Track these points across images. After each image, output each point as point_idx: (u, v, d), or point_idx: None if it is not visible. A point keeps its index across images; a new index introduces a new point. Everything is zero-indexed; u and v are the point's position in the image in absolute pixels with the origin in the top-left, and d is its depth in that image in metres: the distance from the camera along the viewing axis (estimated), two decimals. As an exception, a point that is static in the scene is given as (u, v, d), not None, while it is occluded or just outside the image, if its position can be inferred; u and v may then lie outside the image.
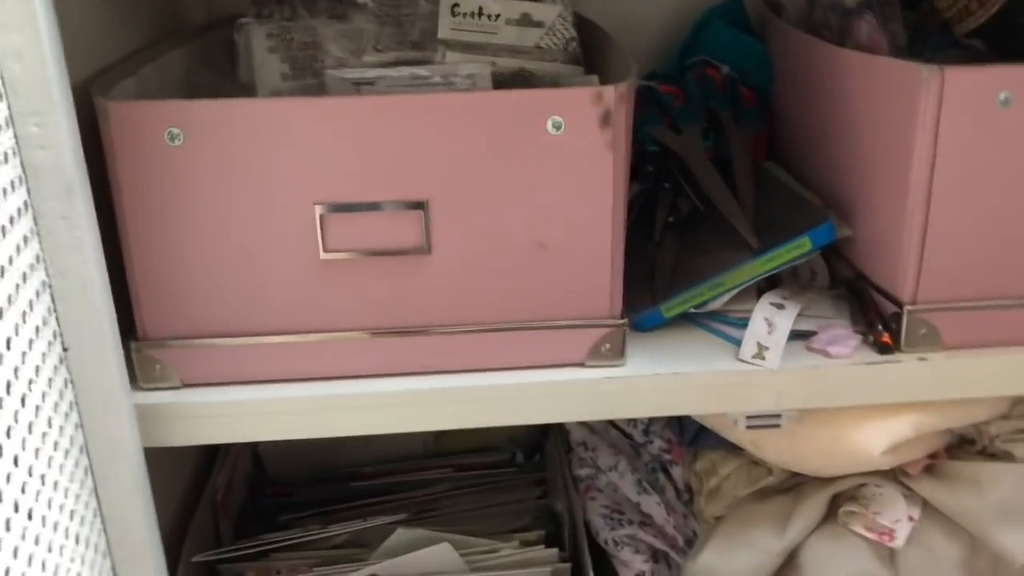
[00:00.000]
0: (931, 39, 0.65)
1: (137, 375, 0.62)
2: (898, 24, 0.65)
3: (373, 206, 0.60)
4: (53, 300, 0.52)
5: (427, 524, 0.80)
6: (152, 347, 0.62)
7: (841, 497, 0.72)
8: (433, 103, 0.58)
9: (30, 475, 0.46)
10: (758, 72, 0.84)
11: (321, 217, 0.60)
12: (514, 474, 0.95)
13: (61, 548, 0.49)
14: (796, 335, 0.66)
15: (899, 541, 0.69)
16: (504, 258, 0.62)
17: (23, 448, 0.45)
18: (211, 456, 0.90)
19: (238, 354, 0.63)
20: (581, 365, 0.65)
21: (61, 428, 0.52)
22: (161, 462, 0.66)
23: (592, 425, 0.86)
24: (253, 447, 0.96)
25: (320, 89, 0.73)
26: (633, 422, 0.84)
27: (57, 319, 0.53)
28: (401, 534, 0.76)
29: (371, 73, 0.69)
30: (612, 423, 0.85)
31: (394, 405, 0.64)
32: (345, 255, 0.61)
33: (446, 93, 0.60)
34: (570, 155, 0.59)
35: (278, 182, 0.59)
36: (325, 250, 0.61)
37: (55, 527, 0.49)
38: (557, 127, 0.59)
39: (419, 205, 0.60)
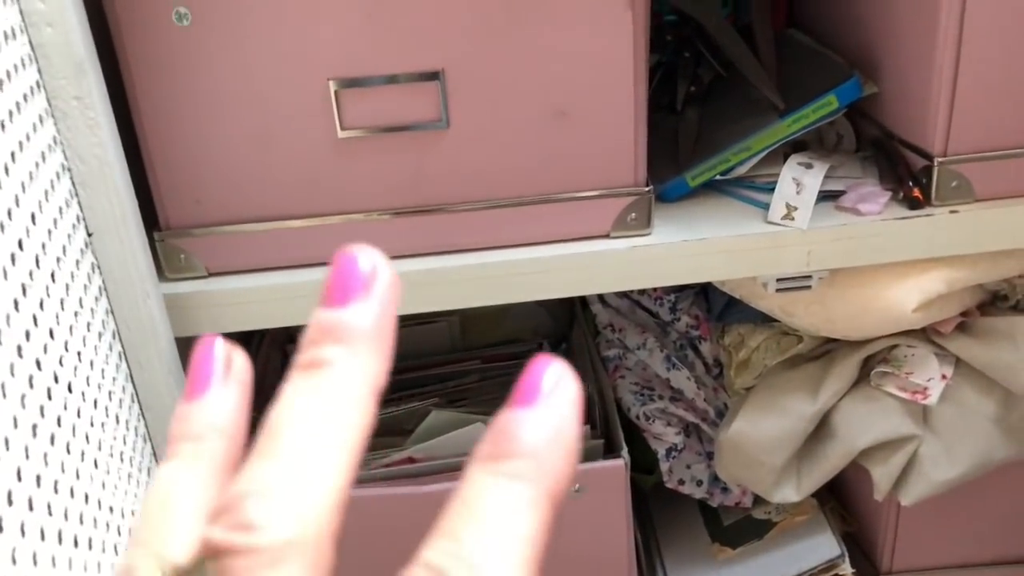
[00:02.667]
0: None
1: (163, 266, 0.62)
2: None
3: (388, 79, 0.59)
4: (74, 184, 0.52)
5: (460, 409, 0.81)
6: (175, 236, 0.62)
7: (873, 359, 0.72)
8: (444, -33, 0.57)
9: (66, 350, 0.46)
10: (776, -65, 0.81)
11: (336, 93, 0.59)
12: (542, 363, 0.95)
13: (103, 425, 0.50)
14: (825, 196, 0.65)
15: (932, 399, 0.69)
16: (524, 129, 0.61)
17: (57, 323, 0.45)
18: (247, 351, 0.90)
19: (261, 240, 0.63)
20: (607, 236, 0.65)
21: (92, 310, 0.52)
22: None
23: (618, 307, 0.86)
24: (283, 349, 0.97)
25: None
26: (659, 300, 0.83)
27: (79, 203, 0.53)
28: (436, 416, 0.76)
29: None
30: (638, 303, 0.85)
31: (420, 285, 0.64)
32: (362, 132, 0.60)
33: (457, -44, 0.58)
34: (588, 16, 0.58)
35: (290, 59, 0.58)
36: (342, 128, 0.60)
37: (95, 404, 0.49)
38: (573, -14, 0.57)
39: (434, 76, 0.59)
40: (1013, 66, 0.60)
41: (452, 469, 0.74)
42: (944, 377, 0.70)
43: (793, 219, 0.63)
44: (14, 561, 0.35)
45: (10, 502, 0.36)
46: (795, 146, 0.70)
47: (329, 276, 0.19)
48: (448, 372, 0.95)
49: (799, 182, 0.64)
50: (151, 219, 0.61)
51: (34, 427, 0.39)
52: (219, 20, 0.56)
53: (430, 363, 0.97)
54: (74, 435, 0.44)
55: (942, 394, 0.69)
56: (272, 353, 0.94)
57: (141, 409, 0.58)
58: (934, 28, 0.59)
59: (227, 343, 0.21)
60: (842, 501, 0.87)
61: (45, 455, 0.40)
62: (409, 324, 0.99)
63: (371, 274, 0.19)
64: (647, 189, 0.63)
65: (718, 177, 0.68)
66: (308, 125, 0.60)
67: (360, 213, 0.63)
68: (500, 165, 0.62)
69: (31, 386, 0.40)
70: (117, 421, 0.53)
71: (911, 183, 0.63)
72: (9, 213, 0.42)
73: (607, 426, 0.79)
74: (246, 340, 0.92)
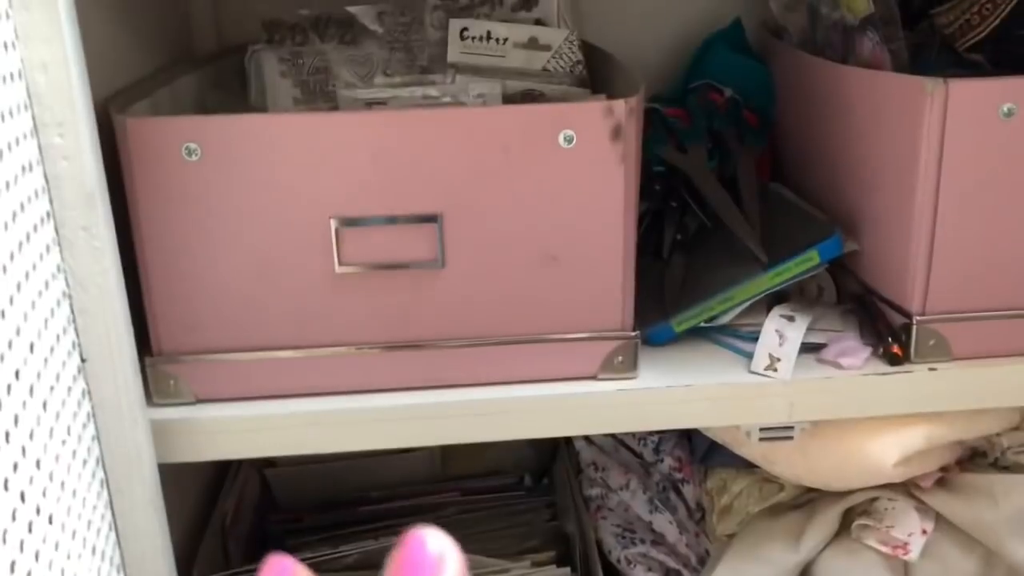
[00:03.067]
0: (932, 56, 0.67)
1: (152, 390, 0.62)
2: (900, 42, 0.66)
3: (388, 220, 0.61)
4: (72, 311, 0.53)
5: (437, 545, 0.80)
6: (166, 362, 0.63)
7: (854, 511, 0.72)
8: (446, 117, 0.59)
9: (51, 480, 0.46)
10: (760, 94, 0.86)
11: (336, 231, 0.60)
12: (523, 497, 0.94)
13: (79, 556, 0.49)
14: (806, 348, 0.67)
15: (913, 554, 0.69)
16: (517, 271, 0.62)
17: (44, 452, 0.45)
18: (219, 480, 0.90)
19: (252, 369, 0.63)
20: (593, 378, 0.65)
21: (79, 437, 0.52)
22: (170, 483, 0.66)
23: (601, 445, 0.86)
24: (260, 473, 0.96)
25: (332, 111, 0.74)
26: (643, 441, 0.84)
27: (76, 330, 0.53)
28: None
29: (383, 94, 0.70)
30: (622, 442, 0.85)
31: (408, 419, 0.64)
32: (359, 268, 0.61)
33: (459, 108, 0.61)
34: (582, 168, 0.60)
35: (293, 197, 0.60)
36: (340, 264, 0.61)
37: (73, 535, 0.49)
38: (569, 140, 0.60)
39: (433, 218, 0.61)
40: (988, 230, 0.63)
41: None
42: (925, 532, 0.70)
43: (776, 370, 0.64)
44: None
45: (-17, 642, 0.35)
46: (777, 296, 0.72)
47: (398, 557, 0.19)
48: (427, 503, 0.94)
49: (782, 334, 0.65)
50: (142, 343, 0.61)
51: (12, 564, 0.39)
52: (227, 157, 0.59)
53: (409, 493, 0.96)
54: (50, 569, 0.44)
55: (923, 549, 0.69)
56: (250, 475, 0.93)
57: (118, 538, 0.57)
58: (912, 192, 0.62)
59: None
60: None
61: (21, 590, 0.39)
62: (391, 452, 0.99)
63: (439, 558, 0.19)
64: (634, 334, 0.65)
65: (702, 324, 0.69)
66: (307, 260, 0.61)
67: (352, 346, 0.64)
68: (492, 305, 0.63)
69: (13, 519, 0.40)
70: (93, 552, 0.52)
71: (890, 339, 0.65)
72: (10, 344, 0.42)
73: (587, 567, 0.78)
74: (220, 474, 0.91)
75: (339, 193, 0.60)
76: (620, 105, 0.59)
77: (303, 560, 0.79)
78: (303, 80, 0.78)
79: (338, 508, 0.94)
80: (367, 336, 0.63)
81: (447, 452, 1.00)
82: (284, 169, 0.59)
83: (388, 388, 0.65)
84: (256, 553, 0.84)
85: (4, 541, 0.38)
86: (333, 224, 0.60)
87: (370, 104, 0.70)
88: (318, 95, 0.78)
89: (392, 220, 0.61)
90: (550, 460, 0.99)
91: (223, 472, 0.91)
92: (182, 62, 0.82)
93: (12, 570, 0.38)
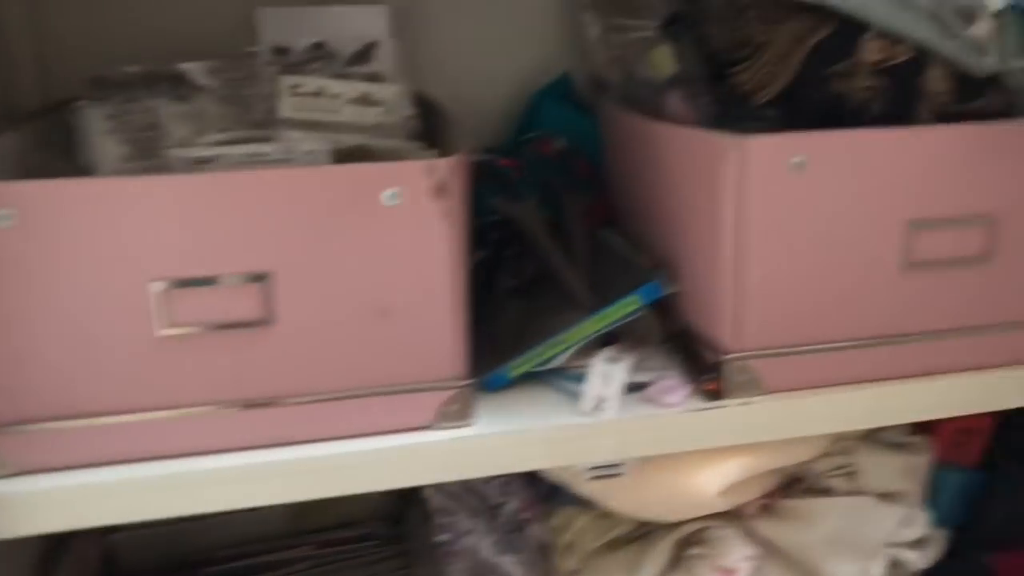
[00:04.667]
0: (736, 111, 0.72)
1: (-33, 464, 0.60)
2: (706, 97, 0.71)
3: (213, 280, 0.61)
4: None
5: (288, 602, 0.79)
6: (-17, 434, 0.60)
7: (686, 541, 0.75)
8: (269, 178, 0.60)
9: None
10: (592, 145, 0.90)
11: (159, 294, 0.60)
12: (376, 547, 0.94)
13: None
14: (632, 387, 0.70)
15: (741, 580, 0.73)
16: (348, 326, 0.63)
17: None
18: (55, 552, 0.86)
19: (77, 437, 0.62)
20: (429, 428, 0.67)
21: None
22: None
23: (449, 490, 0.87)
24: (100, 541, 0.92)
25: (162, 170, 0.73)
26: (490, 483, 0.85)
27: None
28: (257, 614, 0.74)
29: (210, 152, 0.70)
30: (469, 486, 0.87)
31: (244, 480, 0.64)
32: (186, 330, 0.61)
33: (282, 168, 0.62)
34: (407, 225, 0.62)
35: (115, 261, 0.59)
36: (165, 326, 0.61)
37: None
38: (393, 198, 0.61)
39: (260, 277, 0.61)
40: (789, 272, 0.67)
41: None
42: (751, 558, 0.74)
43: (603, 410, 0.67)
44: None
45: None
46: (608, 337, 0.75)
47: None
48: (279, 560, 0.93)
49: (608, 375, 0.69)
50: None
51: None
52: (43, 222, 0.57)
53: (260, 550, 0.95)
54: None
55: (751, 575, 0.73)
56: (89, 544, 0.89)
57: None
58: (717, 238, 0.66)
59: None
60: None
61: None
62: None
63: None
64: (466, 382, 0.66)
65: (537, 368, 0.72)
66: (129, 324, 0.60)
67: (184, 408, 0.63)
68: (326, 360, 0.64)
69: None
70: None
71: (706, 376, 0.69)
72: None
73: (437, 615, 0.79)
74: (55, 546, 0.88)
75: (162, 256, 0.59)
76: (442, 164, 0.61)
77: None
78: (132, 137, 0.77)
79: (187, 570, 0.92)
80: (199, 397, 0.63)
81: (300, 505, 0.99)
82: (104, 233, 0.58)
83: (224, 449, 0.64)
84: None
85: None
86: (156, 287, 0.60)
87: (199, 163, 0.69)
88: (148, 153, 0.77)
89: (218, 280, 0.61)
90: (405, 506, 0.99)
91: (59, 543, 0.87)
92: (3, 119, 0.79)
93: None
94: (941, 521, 0.75)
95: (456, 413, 0.67)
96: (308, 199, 0.60)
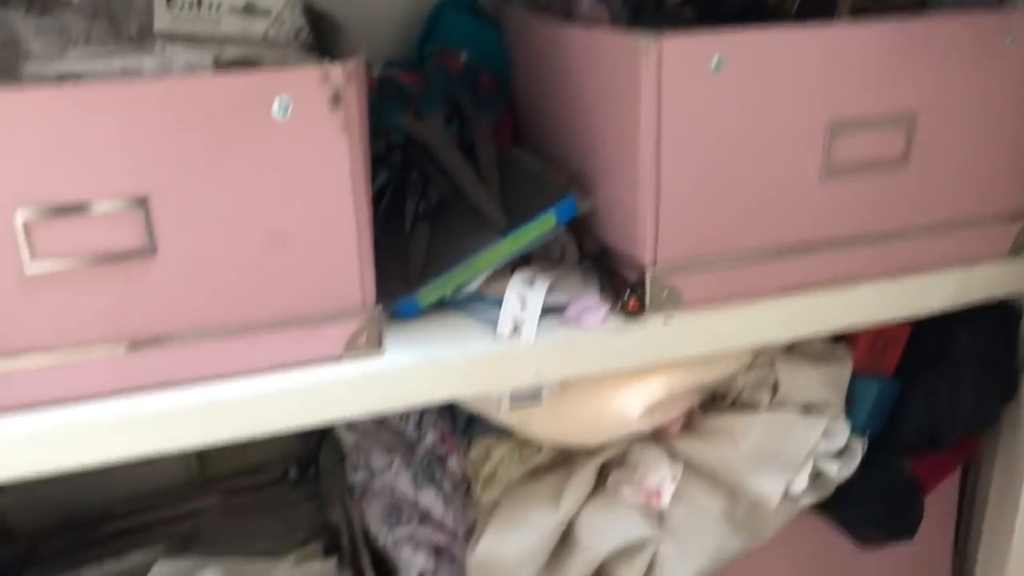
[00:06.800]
0: (651, 11, 0.68)
1: None
2: (618, 0, 0.67)
3: (86, 207, 0.54)
4: None
5: (193, 554, 0.74)
6: None
7: (610, 465, 0.74)
8: (144, 90, 0.54)
9: None
10: (495, 57, 0.85)
11: (26, 224, 0.53)
12: (288, 491, 0.90)
13: None
14: (550, 310, 0.67)
15: (665, 501, 0.71)
16: (241, 253, 0.58)
17: None
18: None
19: (-60, 387, 0.55)
20: (338, 360, 0.62)
21: None
22: None
23: (362, 428, 0.83)
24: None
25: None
26: (404, 418, 0.81)
27: None
28: (162, 567, 0.70)
29: (77, 67, 0.63)
30: (383, 423, 0.83)
31: (135, 426, 0.58)
32: (59, 264, 0.55)
33: (157, 80, 0.56)
34: (301, 139, 0.57)
35: (-33, 186, 0.52)
36: (33, 258, 0.54)
37: None
38: (284, 110, 0.56)
39: (140, 202, 0.55)
40: (710, 180, 0.65)
41: (182, 625, 0.68)
42: (674, 478, 0.72)
43: (520, 334, 0.64)
44: None
45: None
46: (523, 260, 0.72)
47: None
48: (183, 511, 0.88)
49: (523, 298, 0.65)
50: None
51: None
52: None
53: (164, 501, 0.90)
54: None
55: (674, 495, 0.72)
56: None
57: None
58: (634, 147, 0.63)
59: None
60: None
61: None
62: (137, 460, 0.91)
63: None
64: (376, 310, 0.62)
65: (449, 295, 0.68)
66: (-8, 258, 0.54)
67: (62, 350, 0.57)
68: (218, 291, 0.59)
69: None
70: None
71: (626, 295, 0.66)
72: None
73: (354, 557, 0.76)
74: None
75: (27, 181, 0.53)
76: (336, 70, 0.56)
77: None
78: (-13, 56, 0.69)
79: (80, 529, 0.86)
80: (78, 337, 0.57)
81: (204, 454, 0.94)
82: (-48, 156, 0.51)
83: (113, 391, 0.59)
84: (-17, 591, 0.75)
85: None
86: (21, 216, 0.53)
87: (61, 78, 0.62)
88: (4, 72, 0.69)
89: (91, 207, 0.54)
90: (316, 448, 0.95)
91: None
92: None
93: None
94: (860, 429, 0.74)
95: (365, 344, 0.63)
96: (189, 113, 0.54)
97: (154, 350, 0.58)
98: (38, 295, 0.55)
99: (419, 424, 0.82)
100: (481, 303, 0.69)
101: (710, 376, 0.70)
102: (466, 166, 0.72)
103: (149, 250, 0.56)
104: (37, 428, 0.56)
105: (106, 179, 0.54)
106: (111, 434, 0.58)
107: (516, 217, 0.68)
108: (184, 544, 0.79)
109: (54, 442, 0.57)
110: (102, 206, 0.55)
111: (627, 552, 0.71)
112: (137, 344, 0.58)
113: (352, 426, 0.84)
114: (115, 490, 0.90)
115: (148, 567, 0.70)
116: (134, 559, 0.73)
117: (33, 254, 0.54)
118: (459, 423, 0.80)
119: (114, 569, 0.73)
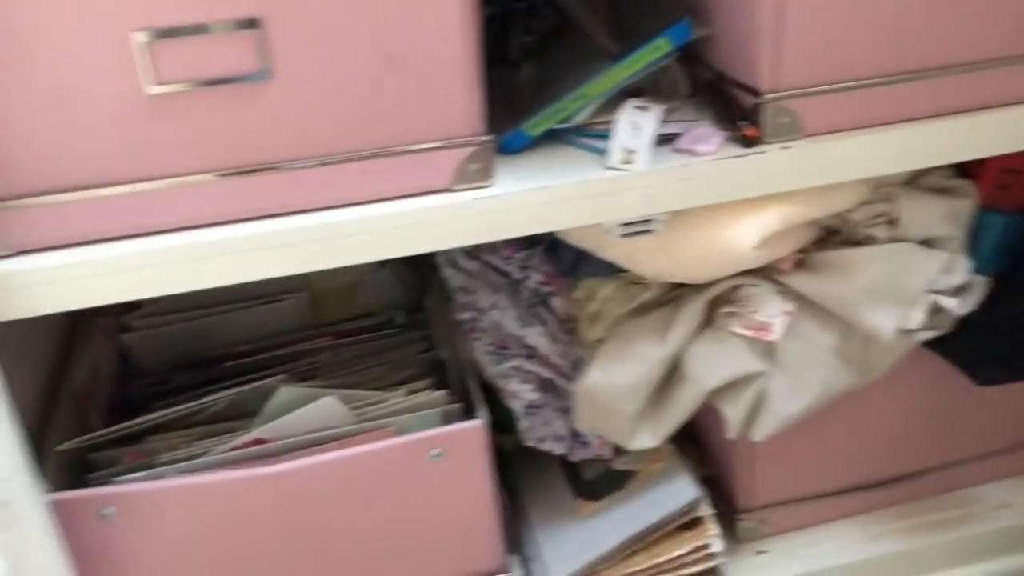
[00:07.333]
0: None
1: (-40, 243, 0.56)
2: None
3: (201, 28, 0.55)
4: None
5: (310, 385, 0.77)
6: (-27, 212, 0.56)
7: (718, 301, 0.73)
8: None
9: None
10: None
11: (145, 45, 0.54)
12: (396, 334, 0.92)
13: None
14: (661, 140, 0.65)
15: (776, 334, 0.70)
16: (353, 76, 0.58)
17: None
18: (69, 348, 0.84)
19: (73, 211, 0.58)
20: (448, 190, 0.63)
21: None
22: (10, 352, 0.61)
23: (470, 269, 0.84)
24: (116, 339, 0.90)
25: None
26: (509, 259, 0.82)
27: None
28: (284, 393, 0.73)
29: None
30: (489, 264, 0.83)
31: (251, 250, 0.60)
32: (175, 88, 0.56)
33: None
34: (411, -43, 0.55)
35: (92, 6, 0.53)
36: (154, 83, 0.55)
37: None
38: (394, -74, 0.54)
39: (252, 23, 0.55)
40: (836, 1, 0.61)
41: (303, 447, 0.71)
42: (786, 313, 0.71)
43: (632, 163, 0.63)
44: None
45: None
46: (632, 93, 0.70)
47: None
48: (298, 351, 0.91)
49: (636, 125, 0.64)
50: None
51: None
52: (5, -31, 0.51)
53: (278, 343, 0.93)
54: None
55: (785, 330, 0.71)
56: (104, 343, 0.88)
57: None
58: (757, -34, 0.60)
59: None
60: (698, 444, 0.88)
61: None
62: (255, 303, 0.95)
63: None
64: (487, 138, 0.62)
65: (557, 126, 0.67)
66: (115, 82, 0.55)
67: (181, 176, 0.58)
68: (330, 117, 0.59)
69: None
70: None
71: (743, 121, 0.64)
72: None
73: (464, 389, 0.78)
74: (73, 328, 0.86)
75: (142, 3, 0.53)
76: None
77: (167, 417, 0.75)
78: None
79: (204, 366, 0.90)
80: (196, 163, 0.58)
81: (316, 299, 0.97)
82: (73, -23, 0.52)
83: (227, 219, 0.60)
84: (120, 420, 0.79)
85: None
86: (139, 37, 0.54)
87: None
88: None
89: (207, 28, 0.55)
90: (421, 296, 0.97)
91: (71, 342, 0.85)
92: None
93: None
94: (983, 266, 0.72)
95: (476, 173, 0.62)
96: (299, -72, 0.53)
97: (270, 176, 0.59)
98: (157, 119, 0.56)
99: (524, 265, 0.82)
100: (590, 134, 0.67)
101: (827, 208, 0.68)
102: (574, -6, 0.70)
103: (264, 74, 0.56)
104: (158, 251, 0.59)
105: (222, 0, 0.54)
106: (227, 257, 0.60)
107: (628, 43, 0.66)
108: (301, 378, 0.82)
109: (173, 265, 0.59)
110: (218, 28, 0.55)
111: (735, 385, 0.71)
112: (255, 170, 0.59)
113: (458, 267, 0.85)
114: (234, 334, 0.94)
115: (269, 394, 0.73)
116: (255, 385, 0.77)
117: (150, 76, 0.55)
118: (563, 264, 0.80)
119: (239, 395, 0.76)
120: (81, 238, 0.59)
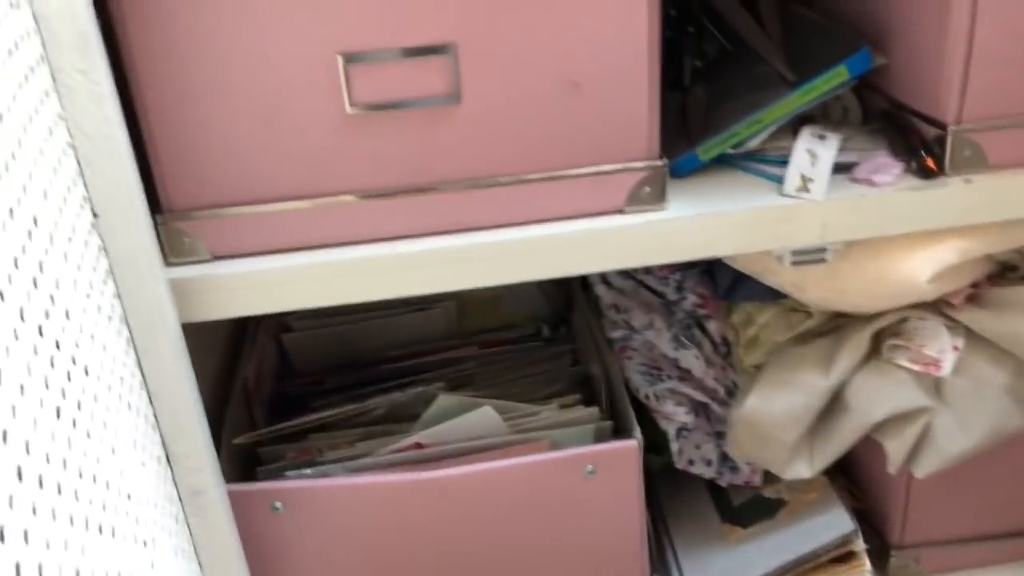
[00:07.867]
0: None
1: (166, 250, 0.60)
2: None
3: (397, 53, 0.57)
4: (79, 163, 0.50)
5: (465, 394, 0.79)
6: (178, 219, 0.60)
7: (884, 333, 0.72)
8: (456, -65, 0.55)
9: (81, 331, 0.44)
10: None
11: (344, 68, 0.57)
12: (542, 347, 0.94)
13: (116, 409, 0.48)
14: (837, 168, 0.64)
15: (945, 370, 0.69)
16: (537, 102, 0.59)
17: (71, 302, 0.43)
18: (238, 346, 0.89)
19: (266, 221, 0.61)
20: (620, 212, 0.63)
21: (101, 293, 0.50)
22: (190, 347, 0.65)
23: (621, 287, 0.85)
24: (277, 339, 0.95)
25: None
26: (664, 279, 0.82)
27: (85, 184, 0.51)
28: (443, 400, 0.75)
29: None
30: (642, 283, 0.84)
31: (429, 265, 0.62)
32: (370, 109, 0.58)
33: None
34: (597, -12, 0.57)
35: (297, 32, 0.56)
36: (351, 104, 0.58)
37: (108, 388, 0.47)
38: (586, -46, 0.56)
39: (445, 49, 0.57)
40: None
41: (461, 454, 0.73)
42: (956, 349, 0.69)
43: (808, 191, 0.62)
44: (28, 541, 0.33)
45: (40, 485, 0.34)
46: (803, 120, 0.69)
47: None
48: (446, 359, 0.93)
49: (814, 153, 0.63)
50: (153, 202, 0.59)
51: (57, 409, 0.38)
52: (225, -7, 0.55)
53: (427, 350, 0.96)
54: (92, 420, 0.43)
55: (954, 366, 0.69)
56: (267, 341, 0.92)
57: (150, 397, 0.56)
58: (946, -4, 0.59)
59: None
60: (851, 477, 0.87)
61: (68, 439, 0.38)
62: (405, 311, 0.98)
63: None
64: (662, 162, 0.62)
65: (729, 151, 0.67)
66: (315, 102, 0.58)
67: (367, 193, 0.61)
68: (512, 140, 0.61)
69: (52, 366, 0.38)
70: (128, 407, 0.51)
71: (924, 153, 0.63)
72: (24, 188, 0.40)
73: (615, 407, 0.78)
74: (240, 329, 0.90)
75: (344, 26, 0.56)
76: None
77: (332, 417, 0.79)
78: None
79: (357, 368, 0.93)
80: (382, 181, 0.61)
81: (462, 309, 0.99)
82: (285, 2, 0.55)
83: (407, 235, 0.63)
84: (281, 417, 0.83)
85: (47, 386, 0.36)
86: (340, 61, 0.57)
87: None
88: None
89: (402, 53, 0.57)
90: (566, 310, 0.98)
91: (239, 340, 0.90)
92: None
93: (58, 415, 0.37)
94: None
95: (650, 196, 0.63)
96: (496, -43, 0.55)
97: (451, 196, 0.62)
98: (355, 138, 0.59)
99: (679, 286, 0.82)
100: (762, 160, 0.67)
101: (1007, 244, 0.66)
102: (749, 18, 0.70)
103: (454, 98, 0.58)
104: (340, 262, 0.61)
105: (417, 27, 0.57)
106: (409, 271, 0.62)
107: (803, 71, 0.66)
108: (454, 386, 0.84)
109: (353, 276, 0.62)
110: (412, 53, 0.57)
111: (900, 420, 0.69)
112: (436, 189, 0.61)
113: (611, 284, 0.86)
114: (384, 339, 0.97)
115: (429, 401, 0.76)
116: (417, 391, 0.79)
117: (351, 98, 0.58)
118: (720, 287, 0.80)
119: (399, 399, 0.79)
120: (271, 247, 0.62)
